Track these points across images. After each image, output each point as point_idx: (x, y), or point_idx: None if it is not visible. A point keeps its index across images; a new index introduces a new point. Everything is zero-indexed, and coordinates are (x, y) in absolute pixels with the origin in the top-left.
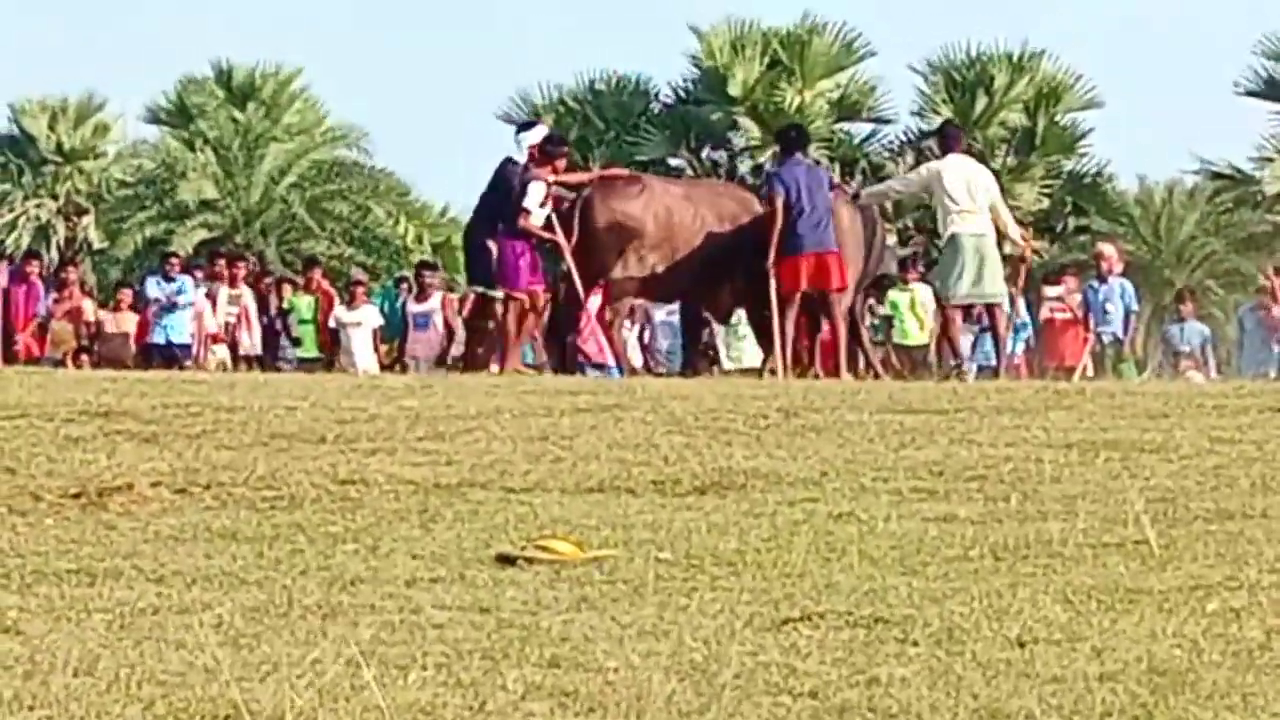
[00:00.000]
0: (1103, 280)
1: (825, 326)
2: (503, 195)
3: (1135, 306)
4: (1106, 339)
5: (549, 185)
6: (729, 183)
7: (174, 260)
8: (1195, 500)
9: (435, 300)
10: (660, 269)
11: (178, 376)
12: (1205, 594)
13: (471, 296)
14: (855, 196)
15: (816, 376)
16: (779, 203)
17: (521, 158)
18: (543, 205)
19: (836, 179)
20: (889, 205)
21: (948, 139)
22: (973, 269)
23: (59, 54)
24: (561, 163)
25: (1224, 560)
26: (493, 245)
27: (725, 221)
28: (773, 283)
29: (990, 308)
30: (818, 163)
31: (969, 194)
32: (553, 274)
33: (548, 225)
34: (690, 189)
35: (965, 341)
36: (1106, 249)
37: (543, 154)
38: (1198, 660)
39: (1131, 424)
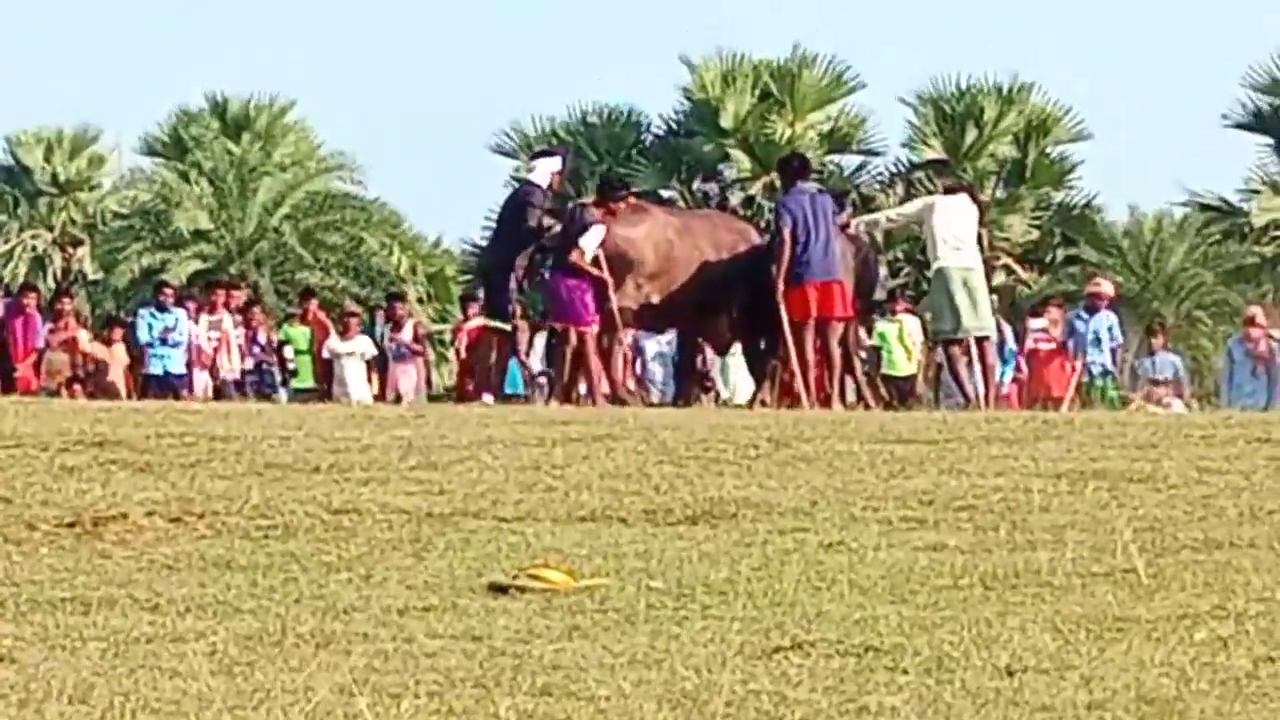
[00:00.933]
0: (1092, 312)
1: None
2: (516, 217)
3: (1120, 340)
4: (1095, 369)
5: (605, 229)
6: (726, 213)
7: (168, 291)
8: (1183, 530)
9: (408, 330)
10: (657, 299)
11: (172, 406)
12: (1193, 623)
13: (467, 328)
14: (845, 226)
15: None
16: (786, 232)
17: (543, 181)
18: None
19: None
20: (879, 236)
21: (946, 179)
22: (961, 303)
23: (55, 86)
24: (621, 205)
25: (1212, 589)
26: (512, 278)
27: (723, 252)
28: (783, 312)
29: (980, 341)
30: (821, 191)
31: (959, 228)
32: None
33: (595, 263)
34: (689, 219)
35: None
36: (1106, 286)
37: (602, 195)
38: (1186, 689)
39: (1120, 454)
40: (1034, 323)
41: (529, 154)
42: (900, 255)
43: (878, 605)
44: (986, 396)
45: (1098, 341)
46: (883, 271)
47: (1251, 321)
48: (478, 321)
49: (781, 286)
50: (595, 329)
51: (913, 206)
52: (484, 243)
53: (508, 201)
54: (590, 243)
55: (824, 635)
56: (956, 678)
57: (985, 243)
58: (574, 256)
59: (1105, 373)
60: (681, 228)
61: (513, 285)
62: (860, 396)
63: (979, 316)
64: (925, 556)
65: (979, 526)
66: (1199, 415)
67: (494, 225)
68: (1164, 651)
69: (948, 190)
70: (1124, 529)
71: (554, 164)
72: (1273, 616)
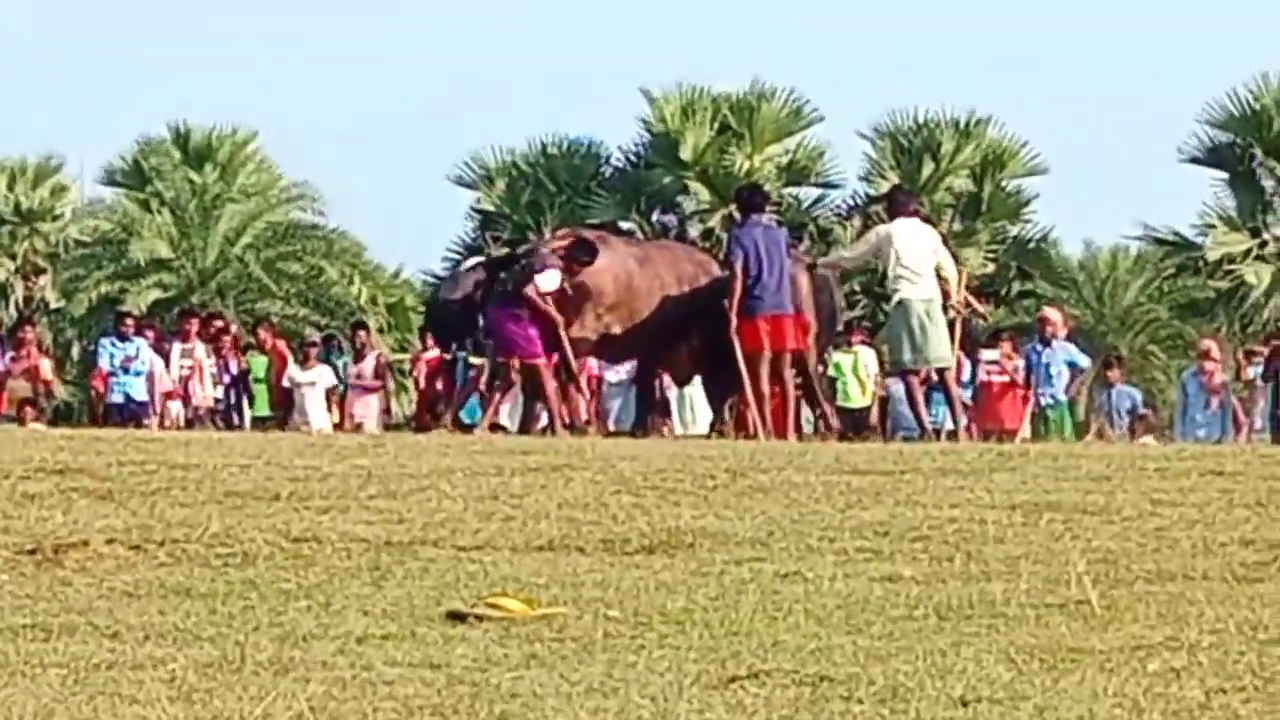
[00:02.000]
0: (1045, 344)
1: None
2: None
3: (1085, 363)
4: (1045, 401)
5: (562, 277)
6: (687, 245)
7: (128, 321)
8: (1136, 561)
9: (370, 360)
10: (618, 329)
11: (133, 434)
12: (1146, 654)
13: (425, 358)
14: (811, 266)
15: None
16: (738, 265)
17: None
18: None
19: (792, 245)
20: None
21: (896, 204)
22: (920, 334)
23: (18, 116)
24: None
25: (1165, 621)
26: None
27: (684, 283)
28: (737, 345)
29: (940, 372)
30: (777, 224)
31: (918, 258)
32: None
33: (545, 300)
34: (650, 250)
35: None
36: (1051, 314)
37: (575, 260)
38: (1139, 719)
39: (1074, 486)
40: (986, 354)
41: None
42: (857, 287)
43: (833, 635)
44: (955, 428)
45: (1049, 375)
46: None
47: (1206, 355)
48: (436, 352)
49: (734, 319)
50: (542, 361)
51: (869, 240)
52: (444, 273)
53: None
54: (546, 283)
55: (780, 665)
56: (911, 708)
57: (953, 267)
58: (529, 291)
59: (1055, 403)
60: (642, 258)
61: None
62: (829, 425)
63: (939, 347)
64: (880, 587)
65: (934, 557)
66: (1152, 448)
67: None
68: (1117, 682)
69: (899, 213)
70: (1078, 560)
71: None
72: (1225, 648)
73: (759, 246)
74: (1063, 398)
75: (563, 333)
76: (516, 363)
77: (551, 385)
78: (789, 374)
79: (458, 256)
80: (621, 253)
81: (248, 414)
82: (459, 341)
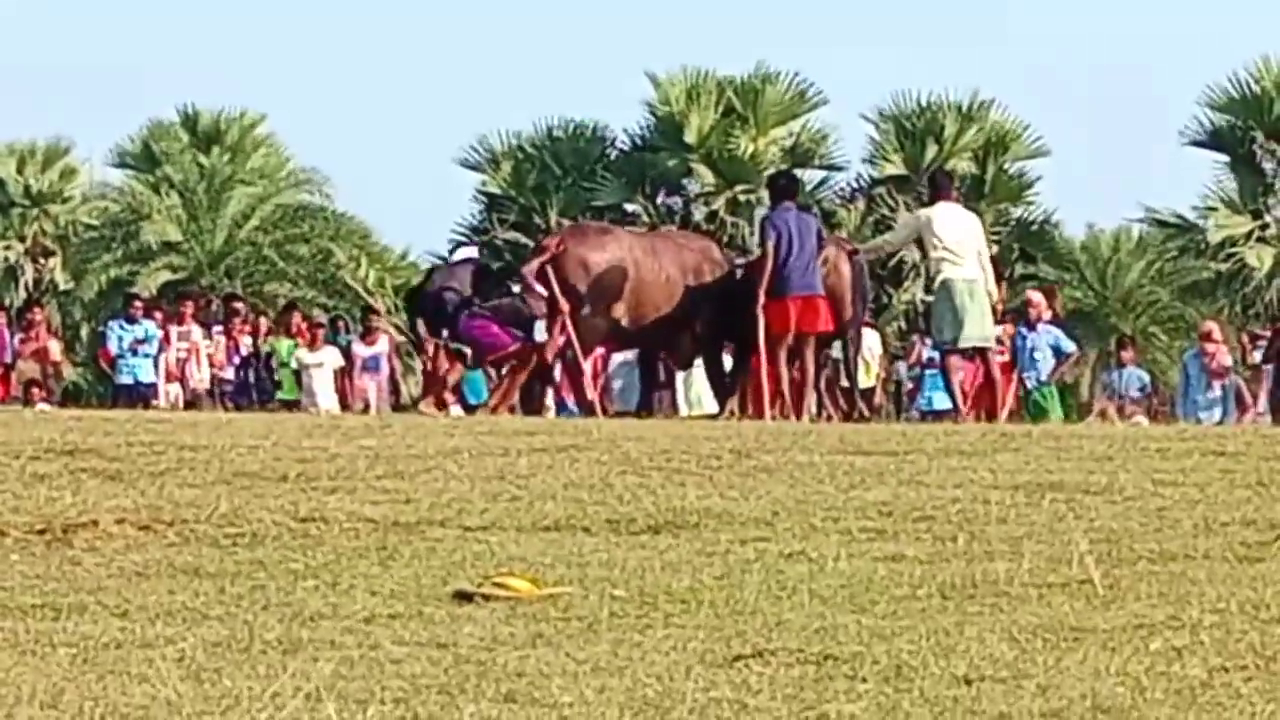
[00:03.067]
0: (1030, 327)
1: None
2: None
3: (1070, 348)
4: (1030, 384)
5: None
6: (691, 232)
7: (137, 303)
8: (1139, 541)
9: (383, 343)
10: (626, 321)
11: (142, 415)
12: (1148, 633)
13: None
14: (853, 253)
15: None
16: (770, 245)
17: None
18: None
19: (854, 228)
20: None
21: (938, 186)
22: (965, 313)
23: (27, 99)
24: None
25: (1167, 600)
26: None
27: (688, 272)
28: (761, 324)
29: (982, 351)
30: (807, 209)
31: (959, 240)
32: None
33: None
34: (654, 240)
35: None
36: (1035, 296)
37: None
38: (1141, 698)
39: (1076, 466)
40: None
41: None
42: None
43: (837, 614)
44: (992, 406)
45: (1033, 359)
46: None
47: (1207, 336)
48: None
49: (763, 299)
50: (514, 347)
51: (908, 224)
52: (450, 255)
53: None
54: (530, 271)
55: (784, 644)
56: (915, 686)
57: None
58: (525, 270)
59: (1039, 386)
60: (648, 249)
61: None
62: (837, 406)
63: (983, 327)
64: (884, 566)
65: (937, 537)
66: (1155, 428)
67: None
68: (1119, 661)
69: (939, 197)
70: (1080, 540)
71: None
72: (1227, 627)
73: (790, 229)
74: (1044, 379)
75: (568, 318)
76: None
77: (521, 372)
78: (810, 355)
79: (464, 238)
80: (627, 244)
81: (273, 395)
82: (437, 330)
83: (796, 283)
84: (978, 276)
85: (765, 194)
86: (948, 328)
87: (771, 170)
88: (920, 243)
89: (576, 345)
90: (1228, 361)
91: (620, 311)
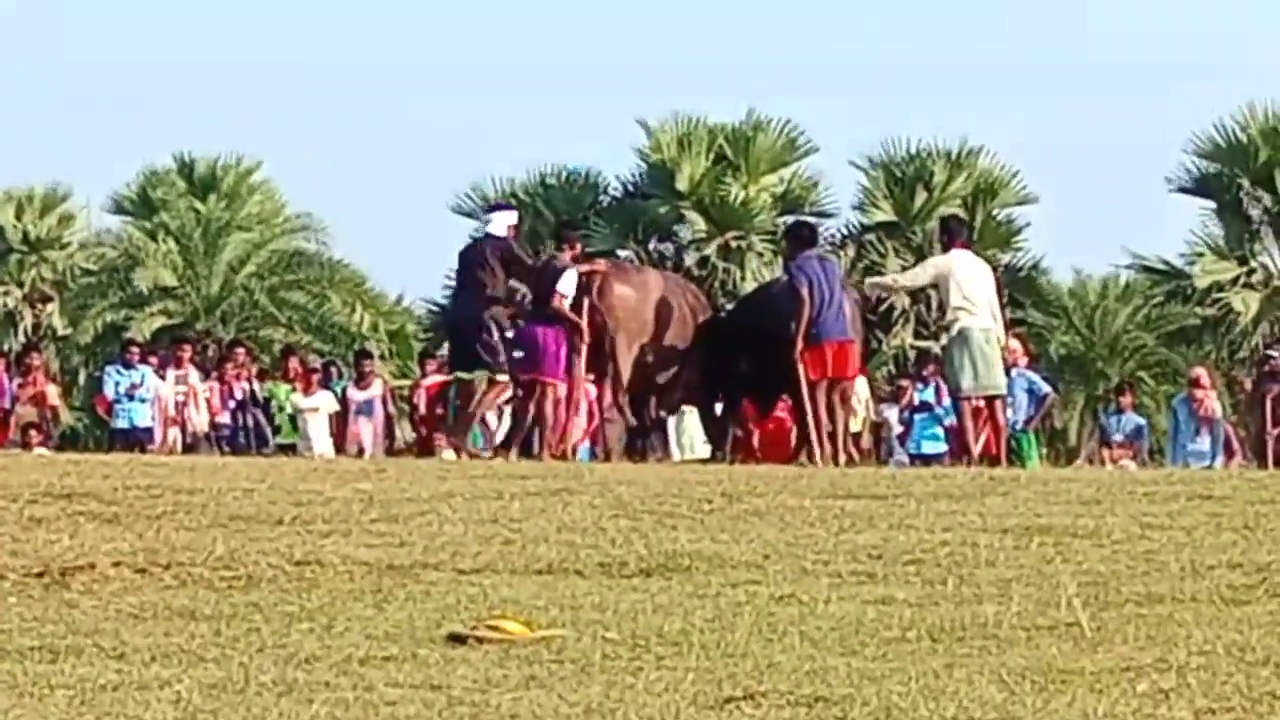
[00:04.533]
0: (1005, 372)
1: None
2: (482, 270)
3: (1045, 390)
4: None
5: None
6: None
7: (133, 349)
8: (1126, 584)
9: (377, 387)
10: (649, 358)
11: (139, 459)
12: (1136, 675)
13: (425, 385)
14: (865, 297)
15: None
16: (804, 292)
17: (501, 233)
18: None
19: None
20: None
21: (952, 234)
22: (980, 362)
23: (25, 146)
24: (578, 249)
25: (1154, 643)
26: (489, 328)
27: (691, 315)
28: (801, 371)
29: (991, 399)
30: (825, 257)
31: (976, 289)
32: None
33: (573, 309)
34: (670, 282)
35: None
36: (1011, 342)
37: (562, 239)
38: None
39: (1064, 510)
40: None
41: (484, 209)
42: None
43: (828, 657)
44: (997, 452)
45: (1010, 403)
46: None
47: (1196, 382)
48: (436, 378)
49: (800, 345)
50: (563, 388)
51: (927, 271)
52: (445, 301)
53: (469, 255)
54: (567, 287)
55: (775, 686)
56: None
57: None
58: (556, 303)
59: (1014, 432)
60: (670, 290)
61: (493, 337)
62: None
63: (996, 375)
64: (874, 609)
65: (927, 580)
66: (1142, 472)
67: (456, 280)
68: (1107, 703)
69: (954, 244)
70: (1068, 583)
71: (510, 217)
72: (1213, 669)
73: (820, 276)
74: (1022, 423)
75: (583, 342)
76: (542, 382)
77: (560, 412)
78: (838, 400)
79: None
80: (657, 281)
81: (270, 440)
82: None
83: (832, 328)
84: (991, 326)
85: (778, 243)
86: (966, 376)
87: (764, 216)
88: (936, 287)
89: (619, 376)
90: (1216, 407)
91: (647, 350)
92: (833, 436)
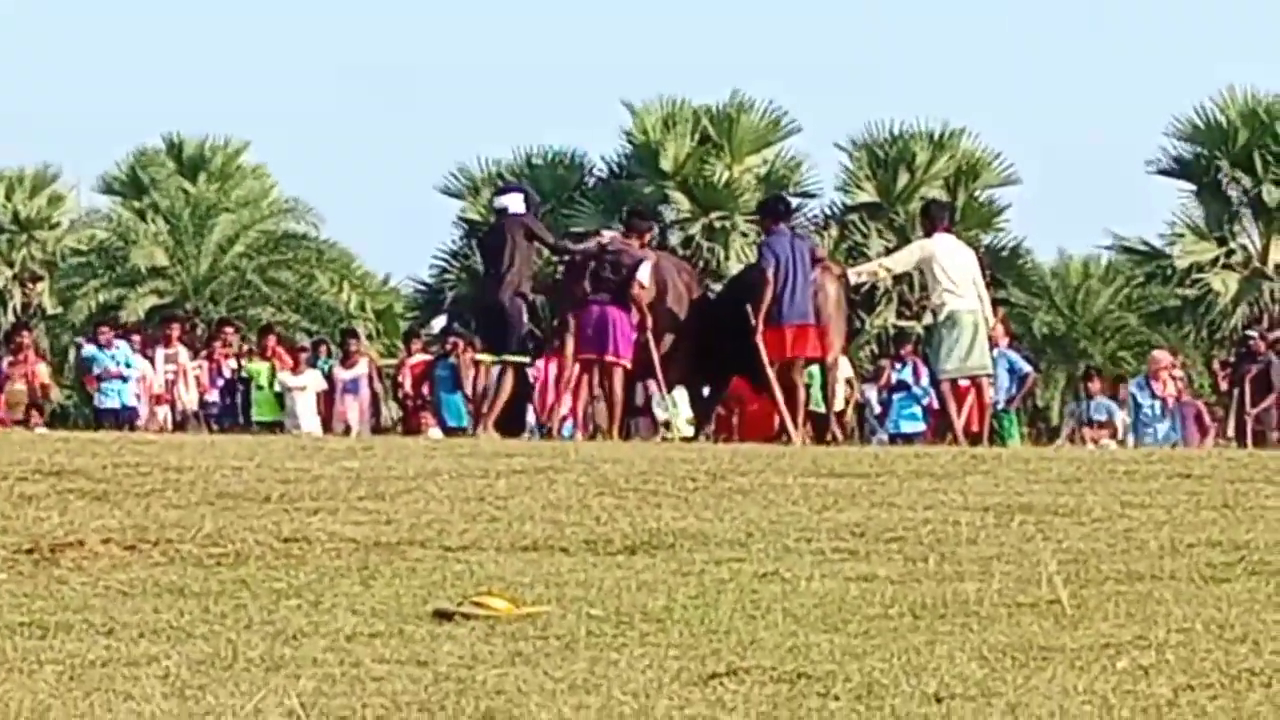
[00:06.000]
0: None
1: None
2: (513, 247)
3: (1025, 369)
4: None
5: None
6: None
7: (103, 330)
8: (1106, 562)
9: (362, 366)
10: (646, 336)
11: (128, 437)
12: (1116, 652)
13: (410, 364)
14: (841, 275)
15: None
16: (769, 273)
17: (519, 208)
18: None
19: (824, 254)
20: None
21: (934, 219)
22: (966, 343)
23: (16, 128)
24: (648, 235)
25: (1134, 620)
26: (507, 307)
27: (687, 293)
28: (762, 351)
29: (977, 379)
30: (798, 235)
31: (960, 272)
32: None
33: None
34: (669, 259)
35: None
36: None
37: (630, 227)
38: (1108, 716)
39: (1045, 489)
40: None
41: (493, 191)
42: None
43: (810, 633)
44: (980, 430)
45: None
46: None
47: (1155, 364)
48: (421, 357)
49: (760, 327)
50: (627, 364)
51: (910, 256)
52: (431, 280)
53: (492, 238)
54: (645, 276)
55: (758, 662)
56: (886, 704)
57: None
58: (636, 292)
59: (996, 411)
60: (665, 268)
61: (523, 320)
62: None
63: (982, 356)
64: (856, 587)
65: (908, 558)
66: (1122, 451)
67: (484, 263)
68: (1087, 680)
69: (936, 227)
70: (1049, 561)
71: (522, 196)
72: (1192, 646)
73: (788, 256)
74: (1003, 402)
75: (650, 333)
76: (607, 359)
77: (621, 389)
78: (800, 378)
79: (444, 264)
80: (661, 260)
81: (240, 418)
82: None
83: (792, 310)
84: (978, 307)
85: (760, 218)
86: (952, 358)
87: (748, 196)
88: (920, 270)
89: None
90: (1173, 390)
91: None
92: (795, 412)
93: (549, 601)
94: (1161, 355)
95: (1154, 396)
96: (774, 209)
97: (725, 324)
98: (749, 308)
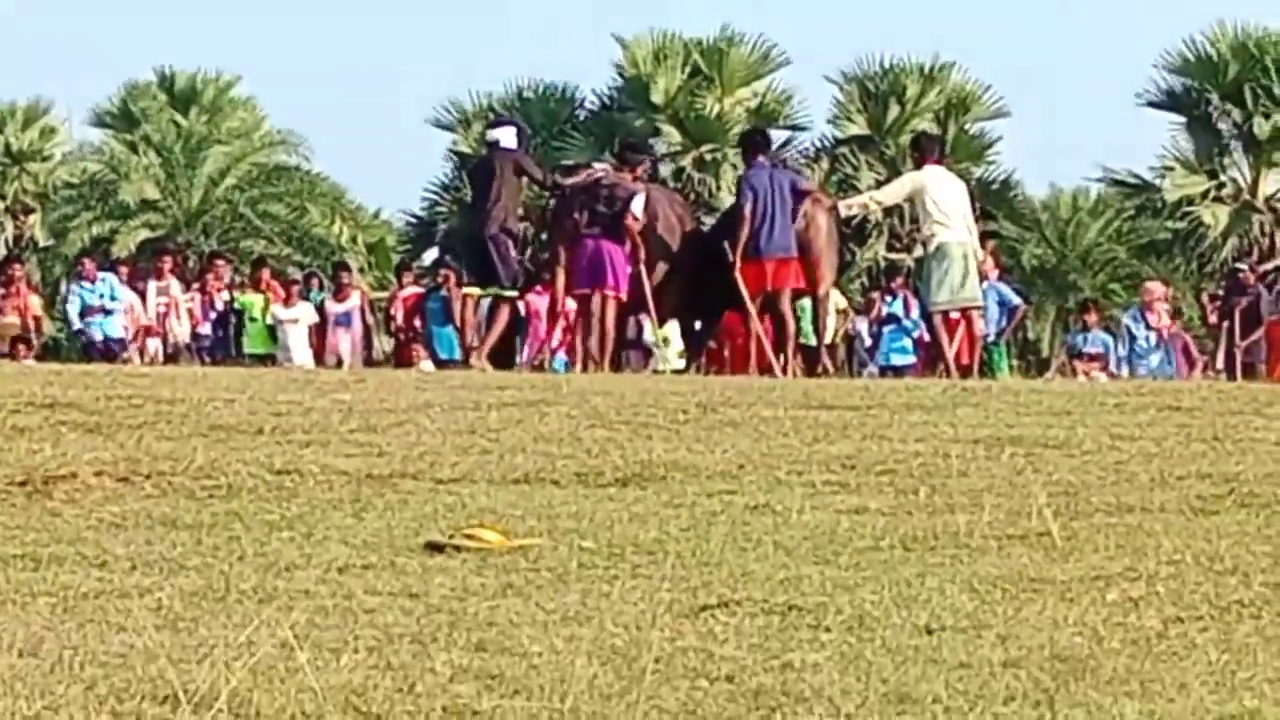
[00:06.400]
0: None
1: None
2: (501, 181)
3: (1015, 301)
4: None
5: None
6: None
7: (86, 265)
8: (1096, 494)
9: (354, 299)
10: (639, 268)
11: (120, 370)
12: (1105, 584)
13: (402, 296)
14: (833, 208)
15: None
16: (747, 209)
17: (510, 142)
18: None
19: (810, 186)
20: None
21: (925, 150)
22: (957, 276)
23: (7, 61)
24: (641, 169)
25: (1123, 552)
26: (493, 244)
27: (679, 226)
28: (741, 285)
29: (967, 311)
30: (778, 166)
31: (950, 204)
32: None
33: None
34: (660, 191)
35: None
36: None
37: (624, 160)
38: (1098, 648)
39: (1035, 421)
40: None
41: (485, 124)
42: None
43: (801, 565)
44: (970, 363)
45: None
46: None
47: (1149, 296)
48: (413, 290)
49: (739, 261)
50: (623, 296)
51: (902, 188)
52: (423, 213)
53: (482, 170)
54: (639, 210)
55: (749, 594)
56: (877, 635)
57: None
58: (629, 224)
59: (988, 343)
60: (664, 200)
61: (510, 253)
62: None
63: (972, 288)
64: (847, 519)
65: (899, 490)
66: (1112, 384)
67: (473, 195)
68: (1077, 611)
69: (926, 160)
70: (1039, 493)
71: (514, 130)
72: (1182, 578)
73: (767, 189)
74: (993, 334)
75: (644, 268)
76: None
77: (615, 321)
78: (787, 307)
79: (436, 197)
80: (653, 191)
81: (233, 350)
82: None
83: (771, 244)
84: (967, 239)
85: (740, 152)
86: (943, 290)
87: (738, 129)
88: (911, 201)
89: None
90: (1166, 321)
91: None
92: (778, 344)
93: (540, 534)
94: (1155, 286)
95: (1149, 328)
96: (753, 142)
97: (717, 257)
98: (726, 244)
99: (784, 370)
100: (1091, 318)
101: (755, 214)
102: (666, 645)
